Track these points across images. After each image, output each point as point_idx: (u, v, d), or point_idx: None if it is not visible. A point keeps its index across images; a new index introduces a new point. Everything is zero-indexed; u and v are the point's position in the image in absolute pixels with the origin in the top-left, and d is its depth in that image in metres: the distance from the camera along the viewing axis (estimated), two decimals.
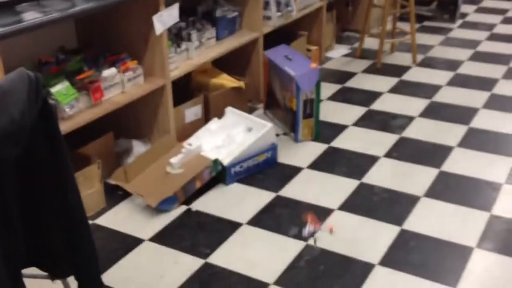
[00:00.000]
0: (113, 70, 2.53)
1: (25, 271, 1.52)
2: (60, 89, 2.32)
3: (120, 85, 2.58)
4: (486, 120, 3.23)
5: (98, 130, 2.64)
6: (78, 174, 2.31)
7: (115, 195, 2.60)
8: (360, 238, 2.28)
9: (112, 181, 2.64)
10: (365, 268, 2.11)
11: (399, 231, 2.31)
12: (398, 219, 2.39)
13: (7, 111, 1.21)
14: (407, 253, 2.19)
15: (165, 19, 2.62)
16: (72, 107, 2.36)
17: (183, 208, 2.51)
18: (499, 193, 2.55)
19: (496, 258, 2.15)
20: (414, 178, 2.69)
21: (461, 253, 2.18)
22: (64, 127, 2.28)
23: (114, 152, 2.75)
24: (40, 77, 1.31)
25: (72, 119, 2.35)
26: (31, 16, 2.08)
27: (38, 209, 1.47)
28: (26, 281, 1.60)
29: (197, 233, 2.34)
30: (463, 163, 2.81)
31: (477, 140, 3.01)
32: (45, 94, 1.34)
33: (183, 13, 2.85)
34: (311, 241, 1.83)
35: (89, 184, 2.40)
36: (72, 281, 1.65)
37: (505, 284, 2.02)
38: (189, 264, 2.16)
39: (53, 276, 1.62)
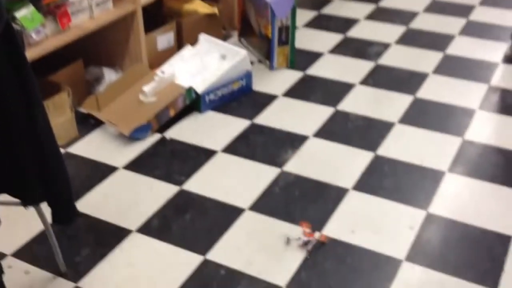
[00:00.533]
0: None
1: None
2: (25, 14, 2.23)
3: (88, 10, 2.49)
4: (462, 47, 3.22)
5: (68, 58, 2.56)
6: (47, 102, 2.25)
7: (87, 124, 2.56)
8: (335, 164, 2.30)
9: (83, 110, 2.59)
10: (340, 193, 2.13)
11: (373, 157, 2.33)
12: (372, 145, 2.40)
13: None
14: (381, 178, 2.21)
15: None
16: (39, 33, 2.27)
17: (157, 136, 2.49)
18: (473, 119, 2.57)
19: (467, 182, 2.19)
20: (389, 105, 2.69)
21: (433, 177, 2.21)
22: (31, 54, 2.21)
23: (85, 80, 2.69)
24: (2, 0, 1.25)
25: (39, 45, 2.27)
26: None
27: (7, 137, 1.44)
28: None
29: (171, 161, 2.33)
30: (438, 89, 2.81)
31: (453, 67, 3.01)
32: (8, 18, 1.28)
33: None
34: (304, 249, 1.86)
35: (59, 113, 2.35)
36: (46, 208, 1.63)
37: (475, 206, 2.07)
38: (164, 191, 2.16)
39: (25, 202, 1.61)
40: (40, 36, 2.27)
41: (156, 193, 2.15)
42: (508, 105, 2.68)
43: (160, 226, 1.99)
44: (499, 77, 2.90)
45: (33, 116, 1.44)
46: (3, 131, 1.43)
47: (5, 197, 1.58)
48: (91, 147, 2.42)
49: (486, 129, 2.51)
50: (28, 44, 2.23)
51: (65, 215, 1.66)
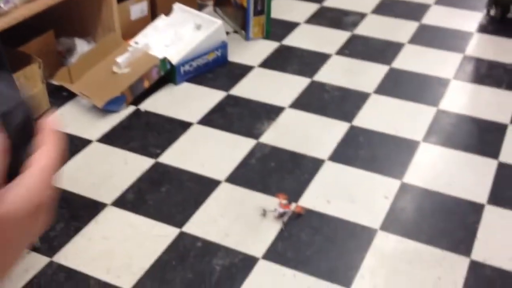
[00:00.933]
0: None
1: None
2: None
3: None
4: (437, 16, 3.21)
5: (39, 29, 2.50)
6: (18, 74, 2.20)
7: (59, 96, 2.51)
8: (310, 135, 2.30)
9: (55, 82, 2.54)
10: (316, 164, 2.14)
11: (349, 127, 2.33)
12: (348, 116, 2.40)
13: None
14: (356, 148, 2.22)
15: None
16: (7, 2, 2.20)
17: (132, 108, 2.45)
18: (447, 89, 2.58)
19: (441, 151, 2.21)
20: (365, 75, 2.69)
21: (408, 147, 2.23)
22: (0, 23, 2.14)
23: (56, 51, 2.63)
24: None
25: (8, 15, 2.20)
26: None
27: None
28: None
29: (146, 133, 2.30)
30: (413, 59, 2.81)
31: (428, 36, 3.01)
32: None
33: None
34: (281, 220, 1.85)
35: (31, 85, 2.30)
36: None
37: (449, 175, 2.09)
38: (139, 164, 2.14)
39: None
40: (8, 5, 2.21)
41: (131, 166, 2.13)
42: (482, 75, 2.70)
43: (135, 199, 1.98)
44: (474, 47, 2.91)
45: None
46: None
47: None
48: (63, 120, 2.38)
49: (460, 98, 2.53)
50: None
51: None
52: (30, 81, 2.30)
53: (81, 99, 2.48)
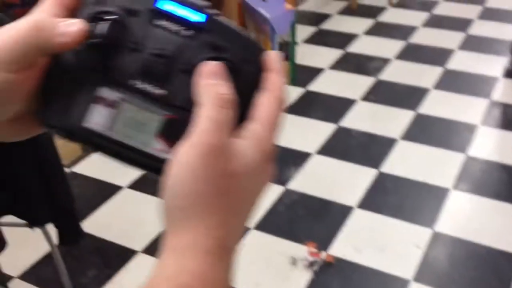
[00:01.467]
0: None
1: (3, 219, 1.49)
2: None
3: None
4: (462, 61, 3.23)
5: None
6: None
7: None
8: (338, 181, 2.30)
9: None
10: (344, 211, 2.13)
11: (377, 174, 2.34)
12: (375, 162, 2.41)
13: None
14: (384, 195, 2.22)
15: None
16: None
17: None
18: (475, 135, 2.58)
19: (471, 199, 2.20)
20: (391, 121, 2.70)
21: (437, 194, 2.22)
22: None
23: None
24: (5, 19, 1.25)
25: None
26: None
27: (11, 158, 1.44)
28: (5, 229, 1.58)
29: None
30: (439, 105, 2.82)
31: (453, 82, 3.02)
32: None
33: None
34: (311, 270, 1.86)
35: None
36: (52, 229, 1.63)
37: (480, 223, 2.07)
38: None
39: (31, 224, 1.60)
40: None
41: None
42: (510, 120, 2.69)
43: None
44: (500, 92, 2.92)
45: (40, 140, 1.44)
46: (5, 152, 1.42)
47: (12, 218, 1.57)
48: (95, 166, 2.41)
49: (488, 144, 2.52)
50: None
51: (71, 236, 1.66)
52: None
53: None
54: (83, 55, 0.40)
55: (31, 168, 1.46)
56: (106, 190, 2.26)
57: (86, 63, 0.40)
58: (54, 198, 1.55)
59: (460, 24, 3.72)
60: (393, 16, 3.88)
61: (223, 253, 0.37)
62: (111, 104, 0.41)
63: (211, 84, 0.38)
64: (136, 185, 2.29)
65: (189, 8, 0.41)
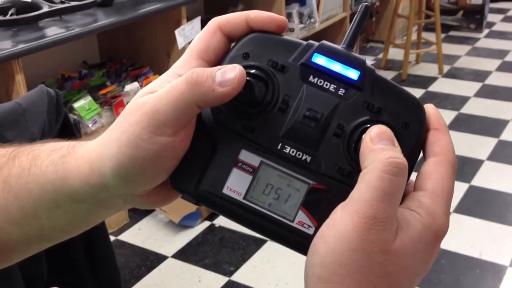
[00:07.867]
0: (135, 85, 2.51)
1: None
2: (82, 104, 2.31)
3: None
4: None
5: None
6: None
7: (138, 210, 2.57)
8: None
9: None
10: None
11: None
12: None
13: (27, 129, 1.19)
14: (439, 271, 2.11)
15: (187, 32, 2.60)
16: (95, 123, 2.34)
17: (206, 223, 2.47)
18: None
19: None
20: None
21: (494, 271, 2.10)
22: None
23: None
24: (60, 94, 1.29)
25: (95, 134, 2.33)
26: (53, 32, 2.07)
27: None
28: None
29: (220, 249, 2.30)
30: (494, 177, 2.72)
31: (508, 153, 2.92)
32: (65, 111, 1.31)
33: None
34: None
35: None
36: None
37: None
38: (213, 281, 2.11)
39: None
40: (96, 125, 2.34)
41: (204, 283, 2.11)
42: None
43: None
44: None
45: None
46: None
47: None
48: (141, 234, 2.42)
49: None
50: (84, 133, 2.30)
51: None
52: None
53: (158, 214, 2.53)
54: (226, 114, 0.37)
55: (76, 238, 1.47)
56: (151, 260, 2.25)
57: (229, 123, 0.37)
58: (99, 269, 1.54)
59: None
60: (443, 86, 3.84)
61: None
62: (251, 169, 0.36)
63: (380, 149, 0.33)
64: (180, 255, 2.27)
65: (342, 64, 0.37)
